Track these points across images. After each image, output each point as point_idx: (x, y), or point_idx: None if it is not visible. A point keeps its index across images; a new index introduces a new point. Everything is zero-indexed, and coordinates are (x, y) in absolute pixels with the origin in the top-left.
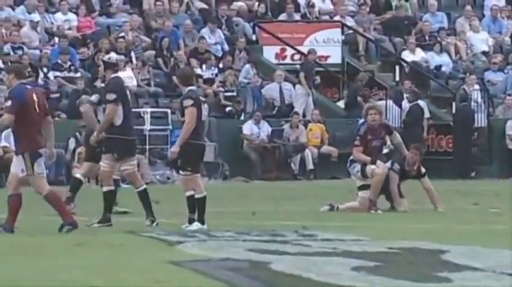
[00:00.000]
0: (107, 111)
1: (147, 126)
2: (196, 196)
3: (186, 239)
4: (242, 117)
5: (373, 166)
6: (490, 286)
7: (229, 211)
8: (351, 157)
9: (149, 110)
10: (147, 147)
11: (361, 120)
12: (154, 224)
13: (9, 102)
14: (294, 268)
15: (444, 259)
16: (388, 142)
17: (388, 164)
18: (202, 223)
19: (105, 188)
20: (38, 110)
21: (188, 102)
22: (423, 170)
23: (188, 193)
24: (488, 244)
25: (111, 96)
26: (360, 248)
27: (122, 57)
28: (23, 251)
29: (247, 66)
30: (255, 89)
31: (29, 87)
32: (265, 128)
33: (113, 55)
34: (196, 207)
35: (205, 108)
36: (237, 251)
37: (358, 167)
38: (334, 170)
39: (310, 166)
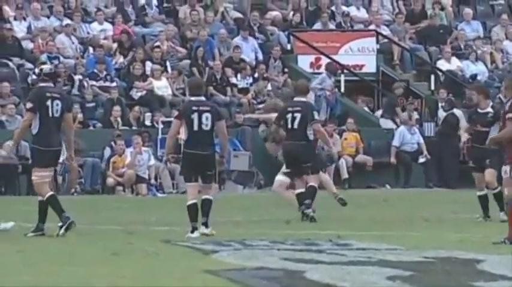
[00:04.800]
0: (23, 119)
1: (182, 135)
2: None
3: (221, 248)
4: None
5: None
6: None
7: (263, 220)
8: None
9: None
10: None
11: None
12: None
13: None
14: (328, 277)
15: (480, 268)
16: None
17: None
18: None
19: (46, 196)
20: None
21: (175, 113)
22: None
23: (188, 202)
24: None
25: (28, 105)
26: (395, 258)
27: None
28: (58, 260)
29: (324, 74)
30: (331, 98)
31: None
32: None
33: (46, 66)
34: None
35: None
36: (271, 260)
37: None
38: (369, 179)
39: (345, 175)
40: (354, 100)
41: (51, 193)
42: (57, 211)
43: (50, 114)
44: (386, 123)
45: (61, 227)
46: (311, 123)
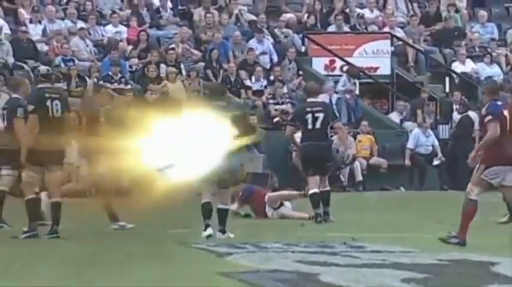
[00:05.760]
0: (28, 123)
1: None
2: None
3: (235, 250)
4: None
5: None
6: None
7: (277, 222)
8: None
9: None
10: None
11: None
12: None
13: None
14: (342, 279)
15: (494, 271)
16: None
17: None
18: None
19: (27, 197)
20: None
21: None
22: None
23: (202, 201)
24: None
25: (30, 107)
26: (410, 260)
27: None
28: (72, 262)
29: (344, 77)
30: (351, 100)
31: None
32: None
33: (42, 67)
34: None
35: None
36: (285, 263)
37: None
38: (383, 181)
39: (359, 177)
40: (367, 102)
41: (33, 195)
42: (31, 215)
43: (51, 115)
44: (411, 127)
45: (25, 232)
46: (333, 122)
